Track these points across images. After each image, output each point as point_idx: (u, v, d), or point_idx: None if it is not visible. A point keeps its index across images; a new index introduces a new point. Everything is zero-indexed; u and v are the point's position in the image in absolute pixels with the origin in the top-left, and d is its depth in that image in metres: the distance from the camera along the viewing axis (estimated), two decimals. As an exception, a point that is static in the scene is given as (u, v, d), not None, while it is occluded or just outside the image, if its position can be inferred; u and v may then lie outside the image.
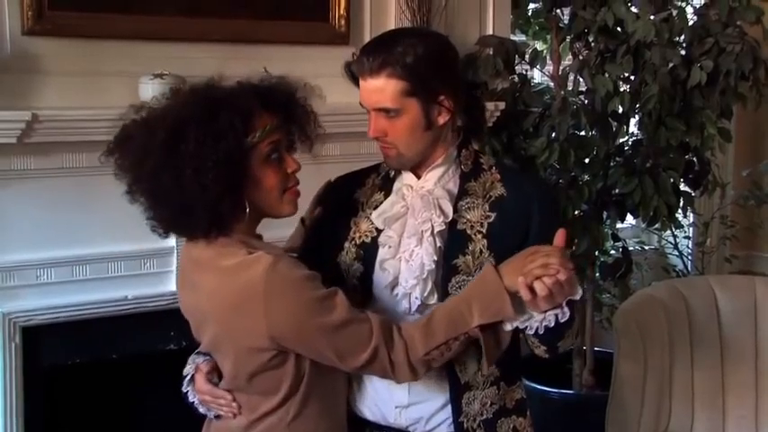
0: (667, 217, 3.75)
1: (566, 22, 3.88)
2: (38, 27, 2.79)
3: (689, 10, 3.86)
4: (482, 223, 2.00)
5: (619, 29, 3.65)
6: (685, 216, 4.28)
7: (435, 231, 1.99)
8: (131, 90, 2.87)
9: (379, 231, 2.06)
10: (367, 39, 3.35)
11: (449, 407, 2.04)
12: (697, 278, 4.18)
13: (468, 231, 2.00)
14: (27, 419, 2.93)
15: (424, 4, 3.37)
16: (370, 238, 2.07)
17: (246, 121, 1.80)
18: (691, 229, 5.08)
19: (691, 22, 3.70)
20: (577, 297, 1.86)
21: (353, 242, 2.10)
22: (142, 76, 2.87)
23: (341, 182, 2.27)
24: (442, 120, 1.99)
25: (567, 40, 3.90)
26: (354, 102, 3.21)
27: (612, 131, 3.79)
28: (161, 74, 2.86)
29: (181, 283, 2.10)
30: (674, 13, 3.64)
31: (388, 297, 2.04)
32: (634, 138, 3.96)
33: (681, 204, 3.88)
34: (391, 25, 3.38)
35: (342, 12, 3.31)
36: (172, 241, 3.02)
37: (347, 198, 2.18)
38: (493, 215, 2.01)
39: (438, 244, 1.99)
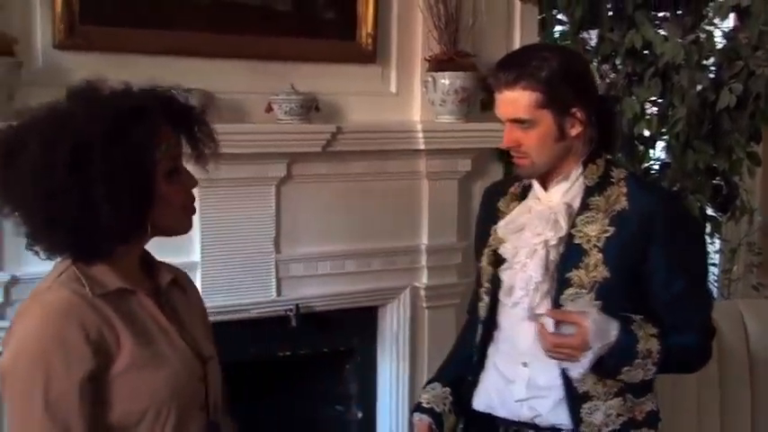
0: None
1: (593, 44, 3.88)
2: (69, 41, 2.81)
3: (717, 33, 3.84)
4: (599, 237, 2.08)
5: (646, 52, 3.65)
6: (712, 242, 4.25)
7: (550, 245, 2.10)
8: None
9: None
10: (394, 58, 3.39)
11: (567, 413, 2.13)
12: (725, 302, 4.15)
13: (585, 246, 2.09)
14: None
15: (452, 23, 3.36)
16: (500, 244, 2.23)
17: (154, 135, 1.68)
18: (717, 255, 5.03)
19: (720, 45, 3.68)
20: (589, 354, 2.00)
21: (490, 247, 2.26)
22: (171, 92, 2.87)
23: (491, 189, 2.47)
24: (574, 131, 2.09)
25: (595, 62, 3.90)
26: (379, 120, 3.27)
27: (639, 155, 3.77)
28: (188, 89, 2.86)
29: None
30: (703, 35, 3.63)
31: (508, 303, 2.19)
32: (661, 161, 3.94)
33: (708, 230, 3.85)
34: (418, 45, 3.39)
35: (369, 30, 3.30)
36: (196, 255, 3.04)
37: (492, 205, 2.34)
38: (612, 229, 2.08)
39: (552, 257, 2.10)
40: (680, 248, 2.08)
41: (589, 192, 2.14)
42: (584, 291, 2.07)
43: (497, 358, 2.26)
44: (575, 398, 2.12)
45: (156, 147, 1.67)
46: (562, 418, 2.15)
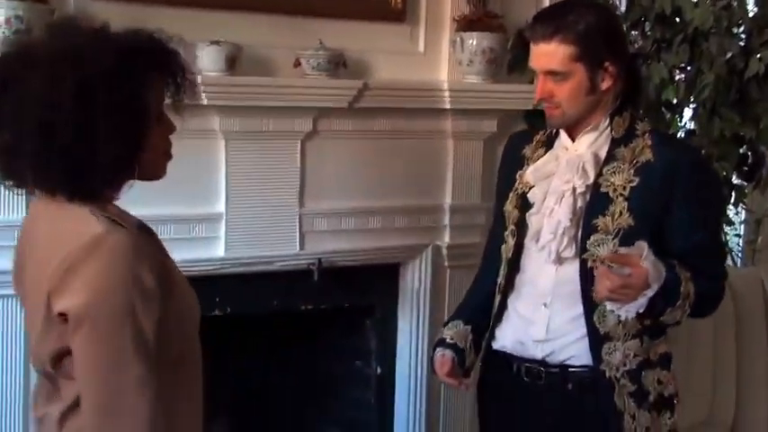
0: (718, 209, 3.70)
1: (622, 10, 3.86)
2: (100, -10, 2.84)
3: (750, 0, 3.81)
4: (625, 186, 2.17)
5: (676, 18, 3.62)
6: (737, 212, 4.23)
7: (577, 192, 2.20)
8: (188, 56, 2.87)
9: None
10: (423, 17, 3.40)
11: (586, 353, 2.23)
12: (747, 269, 4.15)
13: (611, 194, 2.18)
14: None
15: (481, -16, 3.37)
16: (528, 189, 2.32)
17: (142, 76, 1.67)
18: (742, 226, 5.01)
19: (751, 13, 3.65)
20: (649, 293, 2.08)
21: (516, 191, 2.36)
22: (199, 43, 2.91)
23: (516, 136, 2.60)
24: (605, 85, 2.19)
25: (624, 28, 3.87)
26: (405, 78, 3.28)
27: (666, 121, 3.76)
28: (217, 41, 2.90)
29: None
30: (735, 2, 3.60)
31: (533, 247, 2.29)
32: (687, 129, 3.92)
33: (733, 199, 3.84)
34: (447, 4, 3.40)
35: (399, -12, 3.31)
36: (221, 206, 3.08)
37: (518, 151, 2.43)
38: (637, 179, 2.17)
39: (579, 204, 2.20)
40: (701, 200, 2.19)
41: (615, 143, 2.24)
42: (609, 237, 2.17)
43: (518, 301, 2.35)
44: (596, 339, 2.21)
45: (149, 90, 1.68)
46: (574, 356, 2.25)
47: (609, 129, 2.25)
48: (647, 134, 2.24)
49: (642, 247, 2.10)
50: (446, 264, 3.52)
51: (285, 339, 3.49)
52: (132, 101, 1.63)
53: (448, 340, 2.43)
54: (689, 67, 3.65)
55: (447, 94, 3.32)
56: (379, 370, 3.58)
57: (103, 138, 1.60)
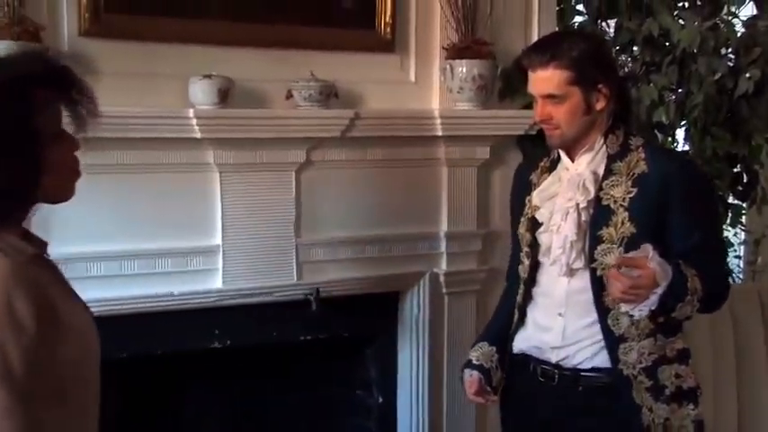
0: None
1: (611, 34, 3.91)
2: (93, 29, 2.88)
3: (736, 22, 3.86)
4: (624, 198, 2.34)
5: (665, 41, 3.67)
6: (735, 234, 4.25)
7: (581, 207, 2.37)
8: (181, 90, 2.97)
9: None
10: (413, 46, 3.45)
11: (601, 354, 2.39)
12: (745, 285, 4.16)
13: (612, 206, 2.35)
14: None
15: (470, 13, 3.41)
16: (536, 211, 2.51)
17: (33, 100, 1.60)
18: (741, 247, 5.02)
19: (739, 33, 3.70)
20: (659, 291, 2.20)
21: (526, 215, 2.55)
22: (191, 77, 2.95)
23: (522, 166, 2.76)
24: (599, 105, 2.37)
25: (613, 52, 3.92)
26: (397, 108, 3.31)
27: (658, 143, 3.79)
28: (210, 75, 2.95)
29: None
30: (722, 24, 3.65)
31: (546, 262, 2.47)
32: (680, 150, 3.95)
33: (729, 220, 3.86)
34: (436, 33, 3.42)
35: (388, 19, 3.34)
36: (218, 239, 3.11)
37: (525, 179, 2.63)
38: (635, 190, 2.34)
39: (583, 218, 2.37)
40: (696, 204, 2.33)
41: (611, 159, 2.41)
42: (614, 245, 2.33)
43: (536, 312, 2.54)
44: (612, 341, 2.37)
45: (38, 112, 1.61)
46: (587, 359, 2.42)
47: (604, 146, 2.41)
48: (640, 148, 2.40)
49: (647, 249, 2.22)
50: (444, 291, 3.53)
51: (285, 370, 3.49)
52: (21, 124, 1.58)
53: (474, 361, 2.64)
54: (679, 89, 3.70)
55: (438, 121, 3.35)
56: (380, 399, 3.58)
57: None
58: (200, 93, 2.94)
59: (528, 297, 2.55)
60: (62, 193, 1.74)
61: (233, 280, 3.13)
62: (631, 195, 2.33)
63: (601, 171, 2.40)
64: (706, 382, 3.21)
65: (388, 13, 3.35)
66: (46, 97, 1.64)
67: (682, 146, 3.94)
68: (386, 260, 3.42)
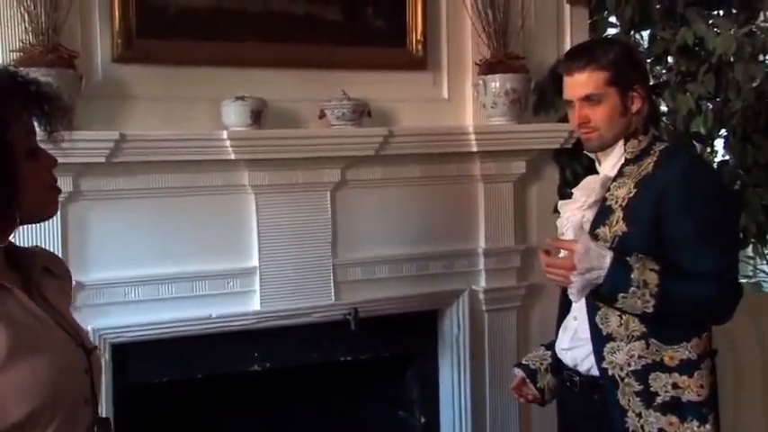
0: (757, 238, 3.65)
1: (645, 46, 3.87)
2: (127, 54, 2.92)
3: (772, 26, 3.80)
4: (624, 198, 2.33)
5: (701, 51, 3.62)
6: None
7: (584, 208, 2.40)
8: (214, 113, 2.99)
9: None
10: (445, 63, 3.45)
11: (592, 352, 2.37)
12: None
13: (613, 206, 2.35)
14: (116, 438, 3.00)
15: (501, 27, 3.39)
16: None
17: (6, 115, 1.54)
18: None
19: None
20: (576, 273, 2.23)
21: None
22: (224, 100, 2.96)
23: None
24: (635, 107, 2.38)
25: (648, 63, 3.88)
26: (430, 125, 3.30)
27: (694, 150, 3.73)
28: (242, 97, 2.95)
29: None
30: (757, 31, 3.59)
31: None
32: (720, 159, 3.90)
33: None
34: (468, 49, 3.43)
35: (419, 37, 3.35)
36: (255, 260, 3.10)
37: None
38: (635, 191, 2.33)
39: (585, 218, 2.38)
40: (694, 199, 2.25)
41: (626, 162, 2.40)
42: (607, 244, 2.30)
43: (569, 315, 2.52)
44: (599, 339, 2.34)
45: (9, 126, 1.54)
46: (594, 366, 2.37)
47: (623, 150, 2.41)
48: (658, 152, 2.37)
49: (580, 233, 2.30)
50: (484, 308, 3.50)
51: (326, 392, 3.47)
52: None
53: (522, 361, 2.70)
54: (716, 97, 3.64)
55: (473, 136, 3.33)
56: (422, 419, 3.54)
57: None
58: (234, 114, 2.95)
59: (567, 303, 2.52)
60: (40, 212, 1.66)
61: (271, 301, 3.12)
62: (631, 195, 2.32)
63: (614, 174, 2.41)
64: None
65: (419, 30, 3.35)
66: (16, 113, 1.57)
67: (721, 155, 3.88)
68: (424, 278, 3.39)
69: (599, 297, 2.28)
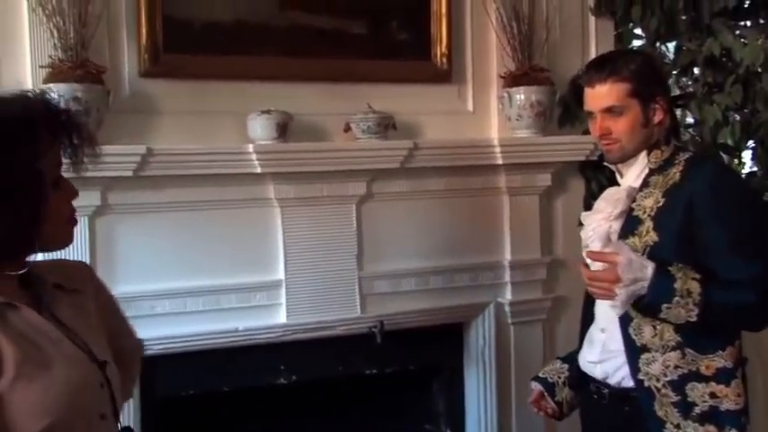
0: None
1: (671, 57, 3.85)
2: (154, 69, 2.95)
3: (801, 37, 3.77)
4: (653, 208, 2.32)
5: (728, 62, 3.60)
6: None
7: (610, 219, 2.38)
8: (240, 127, 3.01)
9: None
10: (469, 76, 3.44)
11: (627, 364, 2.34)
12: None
13: (641, 216, 2.33)
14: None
15: (526, 40, 3.40)
16: None
17: (41, 144, 1.57)
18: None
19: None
20: (621, 285, 2.19)
21: None
22: (250, 114, 2.98)
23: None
24: (657, 119, 2.38)
25: (674, 75, 3.86)
26: (455, 137, 3.30)
27: (721, 160, 3.70)
28: (268, 110, 2.97)
29: None
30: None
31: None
32: (748, 171, 3.86)
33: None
34: (493, 62, 3.44)
35: (444, 50, 3.35)
36: (281, 273, 3.11)
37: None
38: (663, 200, 2.32)
39: (613, 229, 2.36)
40: (723, 208, 2.25)
41: (651, 173, 2.39)
42: (638, 254, 2.26)
43: (592, 327, 2.51)
44: (634, 350, 2.32)
45: (42, 156, 1.57)
46: (627, 378, 2.35)
47: (646, 161, 2.40)
48: (682, 162, 2.37)
49: (619, 244, 2.27)
50: (510, 321, 3.49)
51: (351, 405, 3.46)
52: (26, 170, 1.54)
53: (540, 375, 2.67)
54: (744, 108, 3.61)
55: (498, 149, 3.33)
56: (448, 432, 3.54)
57: None
58: (260, 128, 2.97)
59: (590, 316, 2.52)
60: (61, 240, 1.67)
61: (297, 314, 3.13)
62: (659, 205, 2.31)
63: (638, 184, 2.39)
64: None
65: (444, 43, 3.36)
66: (49, 143, 1.59)
67: (749, 167, 3.85)
68: (449, 291, 3.39)
69: (641, 308, 2.25)
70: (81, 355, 1.62)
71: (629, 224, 2.34)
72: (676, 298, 2.18)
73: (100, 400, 1.64)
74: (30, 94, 1.63)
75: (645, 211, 2.32)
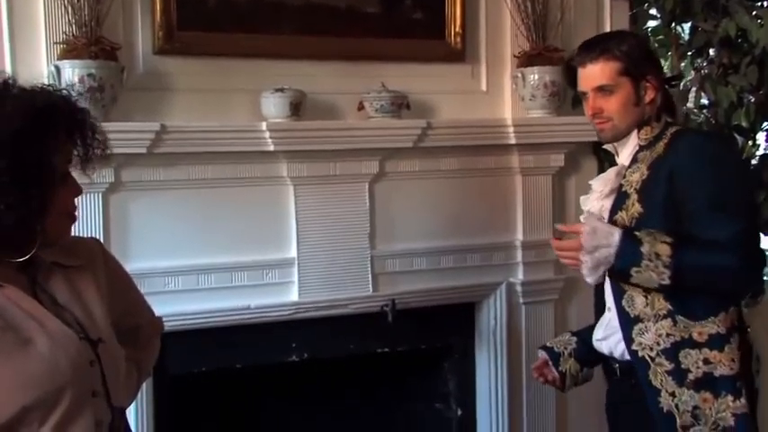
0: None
1: (686, 38, 3.83)
2: (167, 47, 2.95)
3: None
4: (638, 182, 2.35)
5: (743, 43, 3.58)
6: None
7: (602, 196, 2.43)
8: (253, 105, 3.01)
9: None
10: (483, 56, 3.43)
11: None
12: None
13: (629, 191, 2.37)
14: (157, 426, 3.02)
15: (540, 19, 3.38)
16: None
17: (58, 138, 1.60)
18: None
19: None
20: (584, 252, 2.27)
21: None
22: (263, 92, 2.98)
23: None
24: (648, 98, 2.40)
25: (689, 56, 3.84)
26: (469, 117, 3.29)
27: (738, 146, 3.69)
28: (281, 88, 2.97)
29: None
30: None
31: None
32: (762, 153, 3.85)
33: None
34: (507, 41, 3.42)
35: (458, 29, 3.34)
36: (293, 251, 3.12)
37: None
38: (647, 173, 2.35)
39: (605, 206, 2.41)
40: (702, 170, 2.27)
41: (640, 149, 2.42)
42: (603, 220, 2.34)
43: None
44: (627, 321, 2.35)
45: (56, 153, 1.60)
46: (626, 351, 2.37)
47: (636, 138, 2.42)
48: (668, 136, 2.38)
49: (588, 216, 2.37)
50: (521, 301, 3.49)
51: (362, 383, 3.48)
52: (42, 164, 1.56)
53: (547, 344, 2.73)
54: (759, 90, 3.59)
55: (511, 129, 3.33)
56: (459, 411, 3.55)
57: (7, 201, 1.52)
58: (273, 106, 2.97)
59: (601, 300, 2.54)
60: (58, 235, 1.67)
61: (309, 292, 3.14)
62: (644, 178, 2.34)
63: (627, 162, 2.42)
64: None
65: (458, 22, 3.34)
66: (63, 138, 1.62)
67: (763, 149, 3.83)
68: (461, 270, 3.39)
69: (613, 275, 2.30)
70: (69, 333, 1.61)
71: (619, 200, 2.38)
72: (644, 261, 2.21)
73: (90, 377, 1.62)
74: (51, 88, 1.65)
75: (632, 186, 2.36)
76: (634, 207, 2.33)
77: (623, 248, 2.23)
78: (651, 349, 2.32)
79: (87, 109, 1.70)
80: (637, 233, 2.25)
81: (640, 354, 2.33)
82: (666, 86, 2.50)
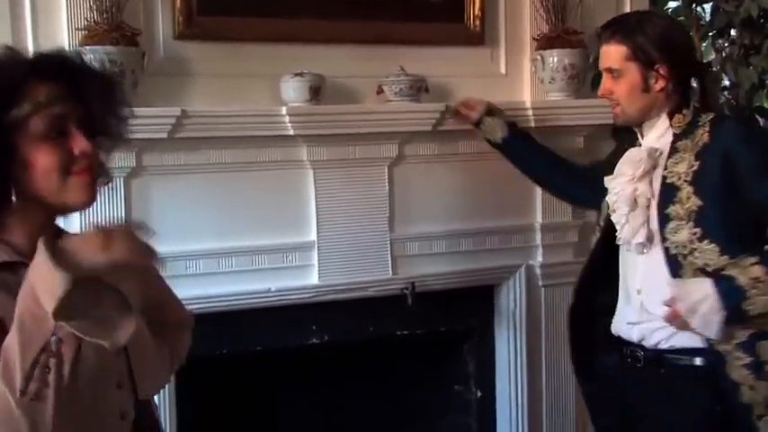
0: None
1: (707, 18, 3.81)
2: (188, 31, 2.96)
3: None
4: (687, 173, 2.32)
5: (765, 23, 3.56)
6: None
7: (634, 181, 2.38)
8: (273, 89, 3.02)
9: None
10: (502, 38, 3.43)
11: (681, 334, 2.33)
12: None
13: (677, 183, 2.33)
14: (179, 408, 3.06)
15: (559, 2, 3.36)
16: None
17: (9, 91, 1.48)
18: None
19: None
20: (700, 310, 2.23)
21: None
22: (283, 76, 2.99)
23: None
24: (657, 86, 2.37)
25: (710, 37, 3.83)
26: (488, 100, 3.29)
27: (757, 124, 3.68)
28: (301, 73, 2.98)
29: None
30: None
31: (619, 242, 2.49)
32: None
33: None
34: (526, 24, 3.41)
35: (477, 12, 3.33)
36: (313, 235, 3.14)
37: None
38: (697, 164, 2.31)
39: (638, 191, 2.37)
40: (760, 159, 2.26)
41: (677, 138, 2.39)
42: (683, 222, 2.30)
43: (621, 290, 2.54)
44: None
45: (15, 105, 1.47)
46: (663, 340, 2.38)
47: (669, 126, 2.40)
48: (707, 123, 2.36)
49: (674, 282, 2.28)
50: (540, 283, 3.50)
51: (382, 365, 3.50)
52: None
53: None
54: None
55: (530, 112, 3.32)
56: (479, 393, 3.57)
57: None
58: (292, 91, 2.98)
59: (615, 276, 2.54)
60: (53, 197, 1.53)
61: (329, 275, 3.16)
62: (694, 169, 2.31)
63: (665, 149, 2.39)
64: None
65: (477, 5, 3.33)
66: (35, 89, 1.50)
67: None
68: (481, 253, 3.40)
69: (731, 320, 2.23)
70: None
71: (666, 193, 2.34)
72: (749, 292, 2.19)
73: (112, 369, 1.58)
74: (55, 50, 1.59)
75: (680, 177, 2.32)
76: (690, 200, 2.29)
77: (722, 293, 2.20)
78: (728, 343, 2.28)
79: (71, 57, 1.59)
80: (724, 272, 2.21)
81: (716, 347, 2.29)
82: (699, 75, 2.48)
